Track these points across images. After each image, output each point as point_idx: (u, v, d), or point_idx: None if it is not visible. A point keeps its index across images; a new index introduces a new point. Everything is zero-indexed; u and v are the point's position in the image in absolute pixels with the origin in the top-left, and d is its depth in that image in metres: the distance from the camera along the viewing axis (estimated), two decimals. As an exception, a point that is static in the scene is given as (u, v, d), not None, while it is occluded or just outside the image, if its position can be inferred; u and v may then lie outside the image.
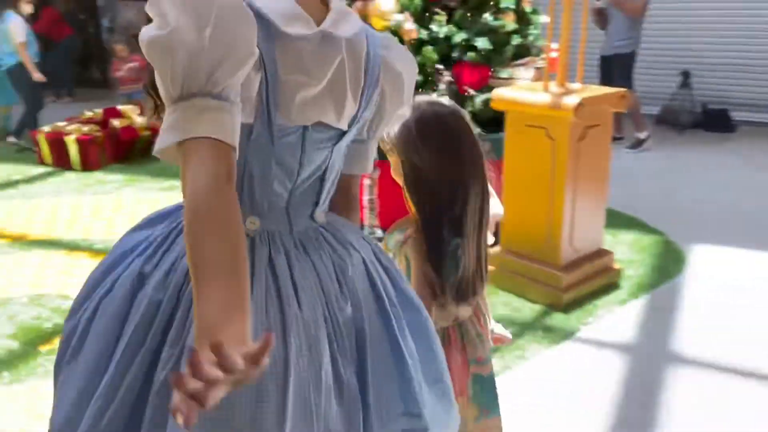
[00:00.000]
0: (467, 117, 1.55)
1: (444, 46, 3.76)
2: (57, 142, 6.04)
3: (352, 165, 1.22)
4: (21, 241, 4.29)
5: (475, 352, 1.61)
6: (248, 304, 0.83)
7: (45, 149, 6.13)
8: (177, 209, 1.12)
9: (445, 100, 1.58)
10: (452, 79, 3.73)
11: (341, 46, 1.06)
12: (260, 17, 0.97)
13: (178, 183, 0.90)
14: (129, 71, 7.18)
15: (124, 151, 6.23)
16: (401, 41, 3.79)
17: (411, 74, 1.21)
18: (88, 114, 6.44)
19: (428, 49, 3.70)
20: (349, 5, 4.56)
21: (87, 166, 5.97)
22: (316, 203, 1.13)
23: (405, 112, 1.27)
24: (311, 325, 1.04)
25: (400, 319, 1.15)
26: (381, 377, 1.10)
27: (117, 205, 5.03)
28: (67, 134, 6.02)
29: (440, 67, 3.74)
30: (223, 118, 0.89)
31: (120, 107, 6.46)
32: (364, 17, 3.95)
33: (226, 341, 0.69)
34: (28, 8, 6.76)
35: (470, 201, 1.49)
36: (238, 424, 0.95)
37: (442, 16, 3.76)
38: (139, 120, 6.36)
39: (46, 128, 6.25)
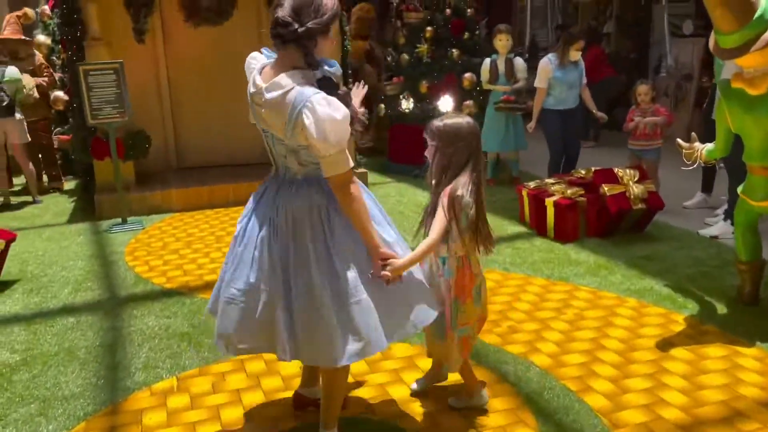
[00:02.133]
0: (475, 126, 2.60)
1: None
2: (537, 201, 5.30)
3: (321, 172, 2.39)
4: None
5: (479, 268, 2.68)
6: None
7: (527, 207, 5.47)
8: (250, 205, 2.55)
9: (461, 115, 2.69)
10: None
11: (267, 101, 2.27)
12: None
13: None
14: (645, 125, 5.89)
15: (607, 224, 5.08)
16: None
17: (328, 119, 2.23)
18: (581, 172, 5.48)
19: None
20: None
21: (561, 235, 5.06)
22: (287, 167, 2.41)
23: (332, 152, 2.27)
24: (263, 223, 2.40)
25: (329, 230, 2.36)
26: (302, 257, 2.35)
27: (565, 304, 3.95)
28: (549, 194, 5.22)
29: None
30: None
31: (617, 170, 5.27)
32: None
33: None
34: (576, 54, 6.09)
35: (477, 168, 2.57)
36: (241, 262, 2.42)
37: None
38: (636, 189, 5.08)
39: (532, 184, 5.58)
